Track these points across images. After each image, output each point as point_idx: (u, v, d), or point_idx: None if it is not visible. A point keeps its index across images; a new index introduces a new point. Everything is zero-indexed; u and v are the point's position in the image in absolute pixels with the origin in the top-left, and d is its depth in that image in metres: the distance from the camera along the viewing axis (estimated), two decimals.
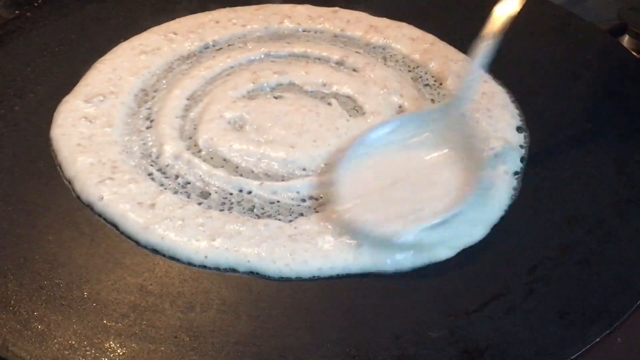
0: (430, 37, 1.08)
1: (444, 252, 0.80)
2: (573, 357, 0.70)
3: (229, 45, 1.09)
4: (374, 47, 1.07)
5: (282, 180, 0.87)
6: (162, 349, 0.71)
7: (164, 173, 0.88)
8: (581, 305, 0.75)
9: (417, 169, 0.86)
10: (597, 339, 0.71)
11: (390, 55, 1.06)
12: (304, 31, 1.11)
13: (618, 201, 0.85)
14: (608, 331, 0.72)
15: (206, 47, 1.08)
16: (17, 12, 1.22)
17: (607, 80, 1.01)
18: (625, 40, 1.22)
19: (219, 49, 1.08)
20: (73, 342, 0.71)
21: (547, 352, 0.71)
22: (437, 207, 0.81)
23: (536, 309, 0.75)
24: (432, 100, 0.99)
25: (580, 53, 1.06)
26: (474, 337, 0.72)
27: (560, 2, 1.18)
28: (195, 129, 0.94)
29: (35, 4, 1.26)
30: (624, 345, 0.78)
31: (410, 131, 0.89)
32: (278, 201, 0.85)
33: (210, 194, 0.86)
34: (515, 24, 0.89)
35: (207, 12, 1.14)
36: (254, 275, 0.79)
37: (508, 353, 0.71)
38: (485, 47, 0.88)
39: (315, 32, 1.11)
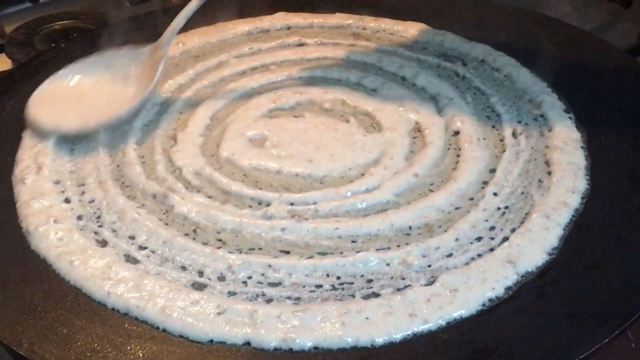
0: None
1: None
2: (582, 357, 0.71)
3: (252, 69, 1.14)
4: None
5: (300, 192, 0.90)
6: (179, 351, 0.74)
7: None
8: (590, 308, 0.75)
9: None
10: (606, 340, 0.72)
11: None
12: None
13: (630, 208, 0.86)
14: (617, 332, 0.72)
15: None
16: (52, 45, 1.28)
17: (622, 94, 1.03)
18: None
19: (242, 74, 1.12)
20: (96, 345, 0.74)
21: (556, 352, 0.72)
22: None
23: (545, 311, 0.75)
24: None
25: (597, 70, 1.08)
26: (484, 338, 0.73)
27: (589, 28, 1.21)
28: (217, 146, 0.98)
29: (70, 37, 1.32)
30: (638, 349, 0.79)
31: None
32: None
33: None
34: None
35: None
36: None
37: (517, 353, 0.72)
38: None
39: None
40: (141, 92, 1.03)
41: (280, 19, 1.25)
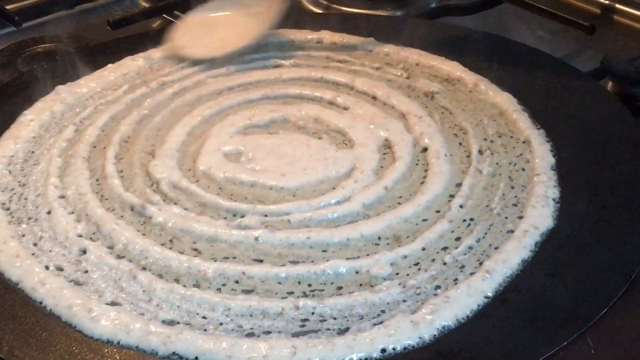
0: None
1: None
2: (542, 358, 0.74)
3: (229, 89, 1.17)
4: None
5: (274, 204, 0.93)
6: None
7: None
8: (551, 312, 0.78)
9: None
10: (565, 342, 0.75)
11: None
12: None
13: (589, 220, 0.90)
14: (575, 335, 0.76)
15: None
16: (34, 66, 1.31)
17: (586, 113, 1.07)
18: (610, 85, 1.28)
19: (219, 93, 1.16)
20: (74, 348, 0.77)
21: (517, 354, 0.75)
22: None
23: (508, 315, 0.79)
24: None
25: (561, 92, 1.12)
26: (448, 341, 0.76)
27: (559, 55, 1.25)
28: (194, 161, 1.01)
29: (56, 58, 1.35)
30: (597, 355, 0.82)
31: None
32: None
33: None
34: None
35: None
36: None
37: (481, 355, 0.75)
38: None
39: None
40: (259, 29, 1.24)
41: None
